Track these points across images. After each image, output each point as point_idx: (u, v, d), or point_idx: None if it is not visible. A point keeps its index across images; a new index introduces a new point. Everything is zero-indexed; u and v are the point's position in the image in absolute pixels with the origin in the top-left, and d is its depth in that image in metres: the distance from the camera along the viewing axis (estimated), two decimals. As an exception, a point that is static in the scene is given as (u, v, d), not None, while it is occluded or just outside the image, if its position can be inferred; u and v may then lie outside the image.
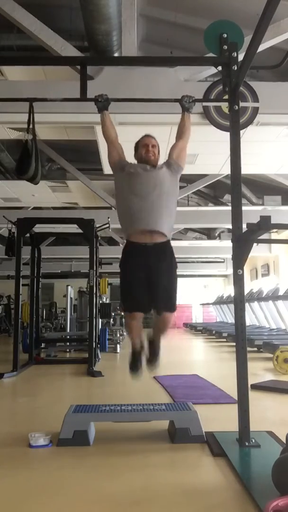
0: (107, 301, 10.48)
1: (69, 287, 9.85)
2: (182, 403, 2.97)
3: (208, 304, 17.11)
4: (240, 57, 2.73)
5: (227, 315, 14.16)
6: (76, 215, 7.82)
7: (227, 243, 10.53)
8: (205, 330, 12.93)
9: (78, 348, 8.21)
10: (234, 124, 2.80)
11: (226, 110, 3.71)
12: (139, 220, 2.82)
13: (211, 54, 3.23)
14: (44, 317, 11.73)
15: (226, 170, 6.21)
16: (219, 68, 2.94)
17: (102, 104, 2.93)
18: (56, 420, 2.79)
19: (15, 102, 3.31)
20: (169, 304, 2.91)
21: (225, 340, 10.33)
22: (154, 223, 2.81)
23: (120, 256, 2.96)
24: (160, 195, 2.84)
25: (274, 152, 5.75)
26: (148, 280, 2.84)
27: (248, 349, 2.98)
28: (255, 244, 2.65)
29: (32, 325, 6.69)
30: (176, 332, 15.45)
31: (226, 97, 2.89)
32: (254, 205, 8.41)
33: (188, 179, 8.18)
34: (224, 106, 3.84)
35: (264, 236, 2.57)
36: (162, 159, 3.03)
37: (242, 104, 3.23)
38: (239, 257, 2.63)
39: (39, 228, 6.77)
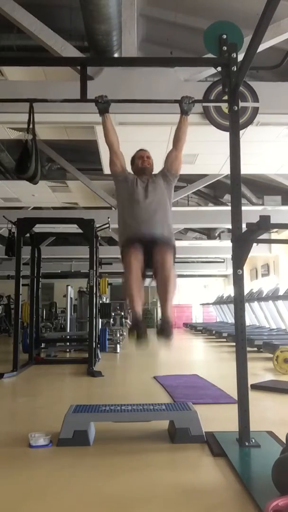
0: (107, 301, 10.49)
1: (69, 287, 9.85)
2: (182, 403, 2.97)
3: (208, 304, 17.11)
4: (240, 57, 2.73)
5: (227, 315, 14.16)
6: (76, 215, 7.82)
7: (227, 243, 10.53)
8: (205, 330, 12.93)
9: (78, 348, 8.21)
10: (234, 124, 2.80)
11: (226, 110, 3.71)
12: (139, 227, 2.93)
13: (211, 55, 3.23)
14: (44, 317, 11.72)
15: (226, 170, 6.21)
16: (219, 68, 2.94)
17: (103, 106, 2.94)
18: (56, 420, 2.79)
19: (15, 102, 3.31)
20: (166, 240, 2.92)
21: (225, 340, 10.33)
22: (154, 231, 2.92)
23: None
24: (158, 205, 2.98)
25: (274, 152, 5.75)
26: (147, 250, 2.89)
27: (248, 349, 2.98)
28: (255, 244, 2.65)
29: (32, 325, 6.69)
30: (176, 332, 15.47)
31: (226, 97, 2.89)
32: (254, 205, 8.41)
33: (188, 179, 8.18)
34: (224, 106, 3.84)
35: (264, 236, 2.57)
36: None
37: (242, 104, 3.24)
38: (239, 257, 2.63)
39: (39, 228, 6.77)
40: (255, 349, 7.10)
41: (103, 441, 2.72)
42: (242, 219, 2.68)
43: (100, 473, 2.24)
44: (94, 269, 6.28)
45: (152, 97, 3.63)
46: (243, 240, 2.59)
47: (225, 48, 2.91)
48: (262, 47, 3.36)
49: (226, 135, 2.91)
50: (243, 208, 2.75)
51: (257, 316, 10.96)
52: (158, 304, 3.04)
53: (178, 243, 12.85)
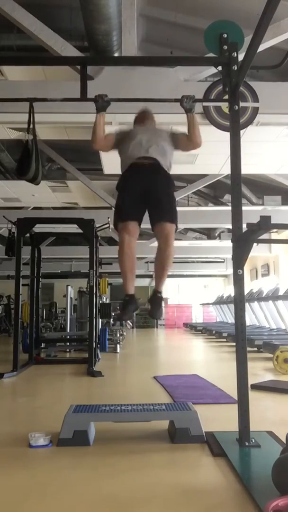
0: (107, 301, 10.49)
1: (69, 287, 9.85)
2: (182, 403, 2.97)
3: (208, 304, 17.11)
4: (240, 57, 2.73)
5: (227, 315, 14.16)
6: (76, 215, 7.83)
7: (227, 243, 10.53)
8: (205, 330, 12.93)
9: (78, 348, 8.21)
10: (234, 124, 2.80)
11: (226, 110, 3.72)
12: (138, 150, 2.94)
13: (211, 54, 3.23)
14: (44, 317, 11.73)
15: (226, 170, 6.22)
16: (219, 68, 2.94)
17: (102, 105, 2.94)
18: (56, 420, 2.79)
19: (15, 102, 3.31)
20: (168, 213, 2.91)
21: (225, 340, 10.33)
22: (155, 153, 2.93)
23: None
24: (161, 140, 3.01)
25: (274, 152, 5.76)
26: (145, 190, 2.88)
27: (248, 349, 2.98)
28: (255, 244, 2.65)
29: (32, 325, 6.68)
30: (176, 332, 15.47)
31: (226, 97, 2.89)
32: (254, 205, 8.42)
33: (188, 179, 8.18)
34: (224, 106, 3.84)
35: (264, 236, 2.57)
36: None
37: (242, 104, 3.23)
38: (239, 257, 2.63)
39: (39, 228, 6.76)
40: (255, 349, 7.10)
41: (103, 441, 2.72)
42: (242, 219, 2.68)
43: (100, 473, 2.24)
44: (94, 269, 6.28)
45: (152, 97, 3.63)
46: (243, 240, 2.59)
47: (225, 47, 2.91)
48: (262, 47, 3.37)
49: (226, 135, 2.91)
50: (243, 208, 2.75)
51: (257, 316, 10.96)
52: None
53: (178, 243, 12.84)
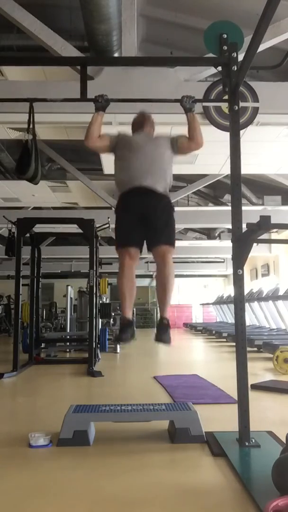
0: (107, 301, 10.49)
1: (69, 287, 9.85)
2: (182, 403, 2.97)
3: (208, 304, 17.11)
4: (240, 57, 2.73)
5: (227, 315, 14.16)
6: (76, 215, 7.82)
7: (227, 243, 10.53)
8: (205, 330, 12.93)
9: (78, 348, 8.21)
10: (234, 124, 2.80)
11: (226, 110, 3.72)
12: (134, 178, 2.87)
13: (211, 54, 3.23)
14: (44, 317, 11.73)
15: (226, 170, 6.22)
16: (219, 68, 2.94)
17: (101, 104, 2.94)
18: (56, 420, 2.79)
19: (15, 102, 3.31)
20: (167, 234, 2.89)
21: (225, 340, 10.33)
22: (153, 181, 2.86)
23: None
24: (159, 156, 2.93)
25: (274, 152, 5.76)
26: (143, 215, 2.86)
27: (248, 349, 2.98)
28: (255, 244, 2.65)
29: (32, 325, 6.69)
30: (176, 332, 15.46)
31: (226, 97, 2.89)
32: (254, 205, 8.41)
33: (188, 179, 8.19)
34: (224, 106, 3.84)
35: (264, 236, 2.57)
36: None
37: (242, 104, 3.23)
38: (239, 257, 2.63)
39: (39, 228, 6.76)
40: (255, 349, 7.10)
41: (103, 441, 2.72)
42: (242, 219, 2.68)
43: (100, 473, 2.24)
44: (94, 269, 6.28)
45: (152, 97, 3.63)
46: (243, 240, 2.59)
47: (225, 47, 2.92)
48: (262, 47, 3.36)
49: (226, 135, 2.91)
50: (243, 208, 2.75)
51: (257, 316, 10.96)
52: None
53: (178, 243, 12.88)
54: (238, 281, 2.64)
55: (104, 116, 3.00)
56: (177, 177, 6.97)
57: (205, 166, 6.40)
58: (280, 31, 3.93)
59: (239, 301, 2.66)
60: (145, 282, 15.98)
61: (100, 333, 7.70)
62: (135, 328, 2.98)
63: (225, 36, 2.98)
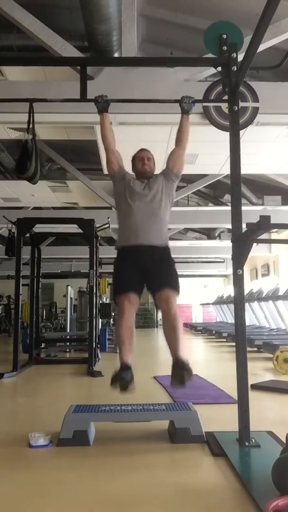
0: (107, 301, 10.49)
1: (69, 287, 9.85)
2: (182, 403, 2.97)
3: (208, 304, 17.11)
4: (240, 57, 2.73)
5: (227, 315, 14.16)
6: (76, 215, 7.83)
7: (227, 243, 10.53)
8: (205, 330, 12.93)
9: (78, 348, 8.21)
10: (234, 124, 2.80)
11: (226, 110, 3.71)
12: (138, 235, 2.87)
13: (211, 55, 3.23)
14: (44, 317, 11.73)
15: (226, 170, 6.21)
16: (219, 68, 2.94)
17: (102, 105, 2.93)
18: (56, 420, 2.79)
19: (15, 102, 3.31)
20: (170, 280, 2.86)
21: (225, 340, 10.33)
22: (150, 239, 2.87)
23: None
24: (158, 210, 2.93)
25: (274, 152, 5.76)
26: (143, 269, 2.84)
27: (248, 349, 2.98)
28: (255, 244, 2.65)
29: (32, 325, 6.69)
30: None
31: (226, 97, 2.89)
32: (254, 205, 8.42)
33: (188, 179, 8.19)
34: (224, 106, 3.84)
35: (264, 236, 2.57)
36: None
37: (242, 104, 3.24)
38: (239, 257, 2.63)
39: (39, 228, 6.77)
40: (255, 349, 7.10)
41: (103, 441, 2.72)
42: (242, 219, 2.68)
43: (100, 473, 2.24)
44: (94, 269, 6.28)
45: (152, 97, 3.63)
46: (243, 240, 2.59)
47: (225, 48, 2.91)
48: (262, 47, 3.36)
49: (226, 135, 2.91)
50: (243, 208, 2.75)
51: (257, 316, 10.96)
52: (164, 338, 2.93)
53: (178, 243, 12.80)
54: (238, 281, 2.64)
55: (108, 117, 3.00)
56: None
57: (205, 166, 6.40)
58: (280, 31, 3.93)
59: (239, 301, 2.66)
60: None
61: (100, 333, 7.70)
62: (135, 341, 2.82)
63: (224, 36, 2.97)
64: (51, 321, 11.94)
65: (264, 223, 2.23)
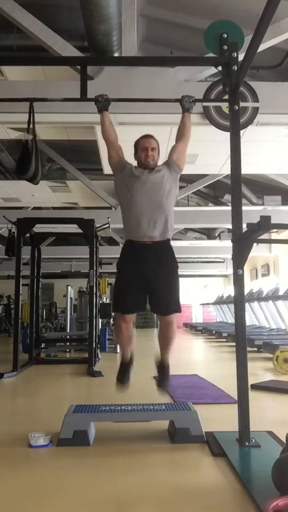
0: (107, 301, 10.48)
1: (69, 287, 9.85)
2: (182, 403, 2.97)
3: (208, 304, 17.10)
4: (240, 57, 2.73)
5: (227, 315, 14.16)
6: (76, 215, 7.82)
7: (227, 243, 10.53)
8: (205, 330, 12.93)
9: (78, 348, 8.21)
10: (234, 124, 2.80)
11: (226, 110, 3.71)
12: (140, 225, 2.81)
13: (211, 54, 3.23)
14: (44, 317, 11.73)
15: (226, 170, 6.21)
16: (219, 68, 2.94)
17: (102, 104, 2.92)
18: (56, 420, 2.79)
19: (15, 102, 3.31)
20: (172, 304, 2.83)
21: (225, 340, 10.33)
22: (156, 230, 2.82)
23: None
24: (160, 198, 2.84)
25: (274, 152, 5.75)
26: (147, 279, 2.81)
27: (248, 349, 2.98)
28: (255, 244, 2.65)
29: (32, 325, 6.69)
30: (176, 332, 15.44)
31: (226, 97, 2.89)
32: (254, 205, 8.41)
33: (188, 179, 8.18)
34: (224, 106, 3.83)
35: (264, 236, 2.57)
36: (162, 159, 3.03)
37: (242, 104, 3.23)
38: (239, 257, 2.63)
39: (39, 228, 6.77)
40: (255, 349, 7.10)
41: (103, 441, 2.72)
42: (242, 219, 2.68)
43: (100, 473, 2.24)
44: (94, 269, 6.28)
45: (152, 97, 3.62)
46: (243, 240, 2.59)
47: (225, 47, 2.92)
48: (262, 47, 3.35)
49: (226, 135, 2.91)
50: (243, 208, 2.74)
51: (257, 316, 10.96)
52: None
53: (178, 243, 12.79)
54: (238, 281, 2.64)
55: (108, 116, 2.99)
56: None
57: (205, 166, 6.39)
58: (280, 31, 3.93)
59: (239, 301, 2.66)
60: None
61: (100, 333, 7.70)
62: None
63: (225, 35, 2.97)
64: (51, 321, 11.93)
65: (265, 223, 2.23)
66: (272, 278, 12.66)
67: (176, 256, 2.97)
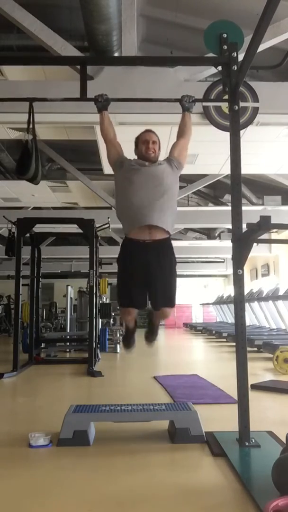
0: (107, 301, 10.48)
1: (69, 287, 9.85)
2: (182, 403, 2.97)
3: (208, 304, 17.10)
4: (240, 57, 2.73)
5: (227, 315, 14.16)
6: (76, 215, 7.82)
7: (227, 243, 10.53)
8: (205, 330, 12.92)
9: (78, 348, 8.21)
10: (234, 124, 2.80)
11: (226, 110, 3.72)
12: (140, 216, 2.79)
13: (211, 54, 3.22)
14: (44, 317, 11.73)
15: (226, 170, 6.21)
16: (219, 68, 2.94)
17: (102, 104, 2.92)
18: (56, 420, 2.79)
19: (15, 102, 3.31)
20: (168, 301, 2.92)
21: (225, 340, 10.33)
22: (155, 219, 2.79)
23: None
24: (161, 191, 2.82)
25: (274, 152, 5.75)
26: (146, 277, 2.83)
27: (248, 349, 2.98)
28: (255, 244, 2.65)
29: (32, 325, 6.69)
30: (176, 332, 15.46)
31: (226, 97, 2.89)
32: (254, 205, 8.41)
33: (188, 179, 8.18)
34: (224, 106, 3.84)
35: (264, 236, 2.57)
36: (162, 158, 3.03)
37: (242, 104, 3.23)
38: (239, 257, 2.63)
39: (39, 228, 6.77)
40: (255, 349, 7.10)
41: (103, 441, 2.72)
42: (242, 219, 2.68)
43: (100, 473, 2.24)
44: (94, 269, 6.28)
45: (152, 97, 3.62)
46: (243, 240, 2.59)
47: (225, 47, 2.91)
48: (262, 47, 3.36)
49: (226, 135, 2.91)
50: (243, 208, 2.74)
51: (257, 316, 10.96)
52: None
53: (178, 243, 12.80)
54: (238, 281, 2.64)
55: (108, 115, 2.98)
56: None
57: (205, 166, 6.39)
58: (280, 31, 3.93)
59: (239, 301, 2.66)
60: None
61: (100, 333, 7.70)
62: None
63: (225, 35, 2.97)
64: (51, 321, 11.93)
65: (265, 223, 2.23)
66: (272, 278, 12.66)
67: (176, 256, 2.97)
